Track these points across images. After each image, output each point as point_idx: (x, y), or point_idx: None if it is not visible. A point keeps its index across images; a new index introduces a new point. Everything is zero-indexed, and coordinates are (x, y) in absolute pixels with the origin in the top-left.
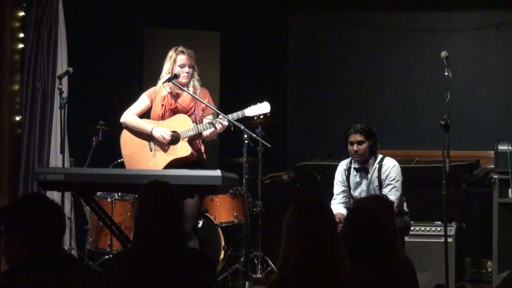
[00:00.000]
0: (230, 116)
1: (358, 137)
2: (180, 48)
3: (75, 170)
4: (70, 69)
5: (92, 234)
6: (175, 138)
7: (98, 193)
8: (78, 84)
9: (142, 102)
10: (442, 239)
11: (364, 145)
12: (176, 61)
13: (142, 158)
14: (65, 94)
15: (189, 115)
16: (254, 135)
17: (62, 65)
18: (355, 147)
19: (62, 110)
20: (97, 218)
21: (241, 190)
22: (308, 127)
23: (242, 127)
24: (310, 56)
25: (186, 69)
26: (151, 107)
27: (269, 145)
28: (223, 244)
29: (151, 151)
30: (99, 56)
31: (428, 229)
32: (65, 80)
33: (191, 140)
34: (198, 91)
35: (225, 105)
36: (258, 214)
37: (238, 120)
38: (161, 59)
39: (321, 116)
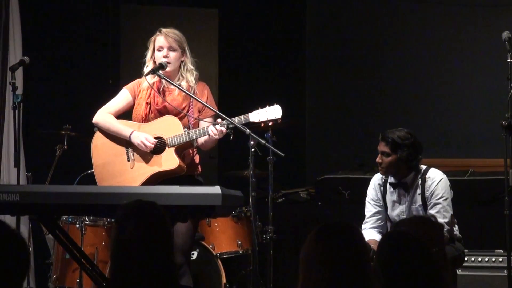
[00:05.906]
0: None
1: (383, 147)
2: (161, 29)
3: (34, 188)
4: (26, 58)
5: (56, 269)
6: (160, 146)
7: (64, 218)
8: (36, 78)
9: (121, 98)
10: (505, 272)
11: (390, 159)
12: (155, 44)
13: (117, 170)
14: (19, 91)
15: (181, 118)
16: (263, 142)
17: (15, 54)
18: (378, 157)
19: (16, 111)
20: (62, 249)
21: (247, 212)
22: (332, 130)
23: (248, 131)
24: (334, 40)
25: (164, 51)
26: (133, 105)
27: (283, 154)
28: (224, 280)
29: (128, 161)
30: (63, 42)
31: (486, 259)
32: (19, 73)
33: (181, 150)
34: (194, 87)
35: (224, 103)
36: (268, 242)
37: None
38: (142, 45)
39: (348, 116)
